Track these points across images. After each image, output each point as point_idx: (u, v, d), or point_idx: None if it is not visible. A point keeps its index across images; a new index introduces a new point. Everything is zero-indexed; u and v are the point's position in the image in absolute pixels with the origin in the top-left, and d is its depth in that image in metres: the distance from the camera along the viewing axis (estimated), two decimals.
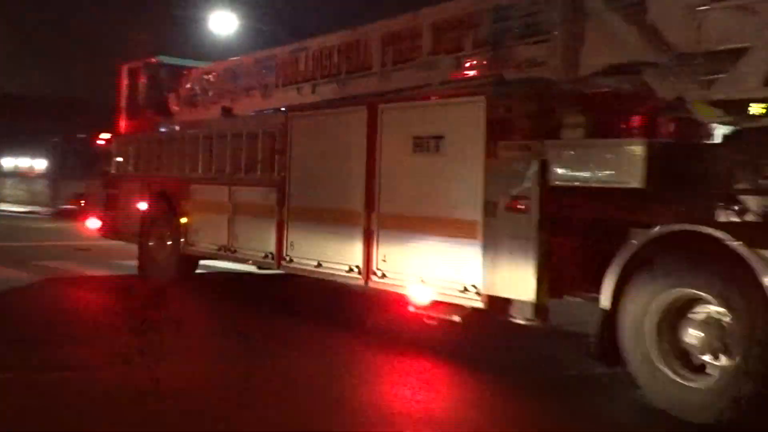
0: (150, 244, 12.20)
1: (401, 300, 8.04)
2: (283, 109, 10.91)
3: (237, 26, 29.09)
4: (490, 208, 7.05)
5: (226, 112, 11.74)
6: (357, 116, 8.54)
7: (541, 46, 7.45)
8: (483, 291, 7.10)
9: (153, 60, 13.80)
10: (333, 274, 8.76)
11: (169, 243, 11.80)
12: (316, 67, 10.16)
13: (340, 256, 8.65)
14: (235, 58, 12.08)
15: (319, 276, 9.01)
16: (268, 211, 9.79)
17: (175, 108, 13.26)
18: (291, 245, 9.41)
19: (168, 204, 11.80)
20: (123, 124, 14.27)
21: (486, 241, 7.06)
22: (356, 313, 9.43)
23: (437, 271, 7.55)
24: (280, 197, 9.61)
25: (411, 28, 8.85)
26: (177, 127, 13.10)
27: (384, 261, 8.15)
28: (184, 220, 11.36)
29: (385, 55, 9.18)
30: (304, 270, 9.19)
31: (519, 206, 6.80)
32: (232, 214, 10.49)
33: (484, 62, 8.01)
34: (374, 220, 8.29)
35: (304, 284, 10.07)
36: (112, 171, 13.59)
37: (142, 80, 13.87)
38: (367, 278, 8.31)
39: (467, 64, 8.23)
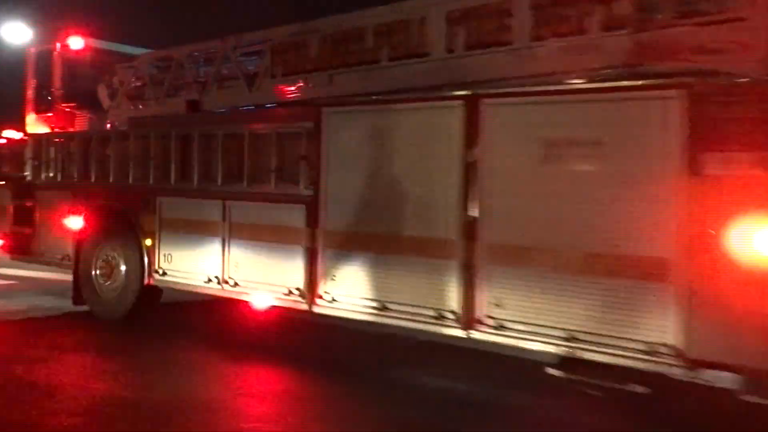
0: (94, 272, 8.93)
1: (518, 355, 5.69)
2: (266, 104, 8.18)
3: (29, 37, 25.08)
4: (693, 243, 4.83)
5: (193, 106, 8.74)
6: (446, 113, 6.11)
7: (721, 28, 5.27)
8: (686, 352, 4.85)
9: (74, 43, 10.41)
10: (412, 320, 6.20)
11: (123, 270, 8.66)
12: (337, 53, 7.47)
13: (423, 298, 6.22)
14: (204, 43, 9.01)
15: (385, 321, 6.41)
16: (289, 235, 7.13)
17: (108, 101, 10.03)
18: (333, 280, 6.78)
19: (124, 222, 8.65)
20: (31, 120, 10.77)
21: (687, 286, 4.86)
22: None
23: (596, 324, 5.33)
24: (309, 217, 6.97)
25: (496, 4, 6.38)
26: (109, 124, 9.92)
27: (498, 306, 5.78)
28: (149, 242, 8.30)
29: (452, 39, 6.69)
30: (360, 312, 6.56)
31: (752, 243, 4.60)
32: (228, 237, 7.67)
33: (619, 48, 5.71)
34: (479, 252, 5.87)
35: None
36: (27, 178, 10.04)
37: (60, 67, 10.48)
38: (471, 327, 5.86)
39: (590, 51, 5.88)
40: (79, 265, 9.22)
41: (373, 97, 6.80)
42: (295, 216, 7.09)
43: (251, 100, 8.42)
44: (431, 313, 6.16)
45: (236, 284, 7.60)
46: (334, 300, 6.82)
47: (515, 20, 6.38)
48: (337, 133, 6.86)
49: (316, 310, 6.99)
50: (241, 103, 8.57)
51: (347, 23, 7.55)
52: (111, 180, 8.96)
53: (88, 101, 10.42)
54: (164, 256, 8.29)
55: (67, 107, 10.44)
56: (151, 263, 8.40)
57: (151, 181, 8.49)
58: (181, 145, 8.25)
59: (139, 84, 9.80)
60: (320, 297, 6.92)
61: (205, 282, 7.86)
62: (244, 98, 8.50)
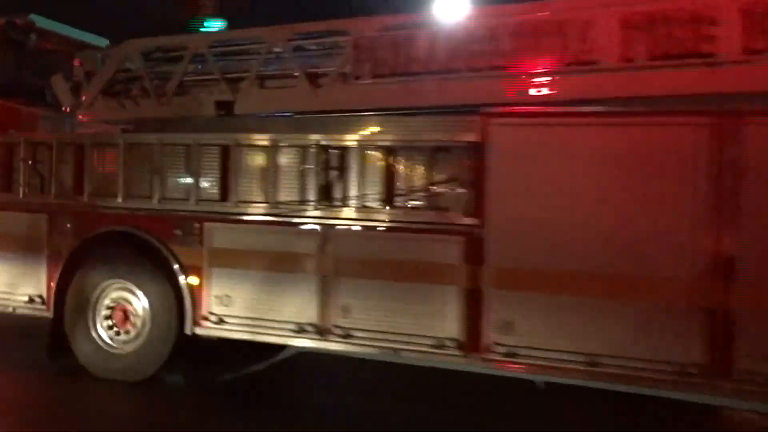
0: (94, 320, 6.47)
1: None
2: (337, 110, 6.43)
3: None
4: None
5: (225, 108, 6.64)
6: (685, 132, 4.88)
7: None
8: None
9: (19, 21, 7.64)
10: (645, 378, 4.85)
11: (148, 317, 6.37)
12: (459, 54, 5.90)
13: (652, 351, 4.89)
14: (241, 31, 6.90)
15: (597, 380, 4.98)
16: (436, 273, 5.57)
17: (70, 98, 7.49)
18: (508, 327, 5.21)
19: (146, 254, 6.32)
20: None
21: None
22: None
23: None
24: (470, 252, 5.39)
25: (694, 11, 5.31)
26: (71, 127, 7.49)
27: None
28: (193, 280, 6.10)
29: (630, 47, 5.44)
30: (557, 369, 5.11)
31: None
32: (330, 274, 5.68)
33: None
34: (740, 298, 4.69)
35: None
36: None
37: None
38: (724, 387, 4.70)
39: None
40: (63, 309, 6.56)
41: (568, 110, 5.32)
42: (448, 250, 5.46)
43: (316, 105, 6.49)
44: (668, 368, 4.90)
45: (348, 335, 5.69)
46: (513, 354, 5.25)
47: (721, 29, 5.31)
48: (511, 151, 5.32)
49: (478, 363, 5.37)
50: (298, 108, 6.65)
51: (474, 20, 6.00)
52: (120, 200, 6.43)
53: (37, 96, 7.65)
54: (218, 298, 6.10)
55: (5, 102, 7.55)
56: (196, 307, 6.16)
57: (193, 203, 6.20)
58: (245, 156, 6.09)
59: (125, 78, 7.29)
60: (488, 350, 5.31)
61: (295, 332, 5.85)
62: (302, 102, 6.56)
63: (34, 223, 6.76)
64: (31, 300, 6.73)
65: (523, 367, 5.27)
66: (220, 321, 6.08)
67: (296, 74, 6.56)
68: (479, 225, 5.38)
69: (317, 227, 5.80)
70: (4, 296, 6.86)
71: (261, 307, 5.96)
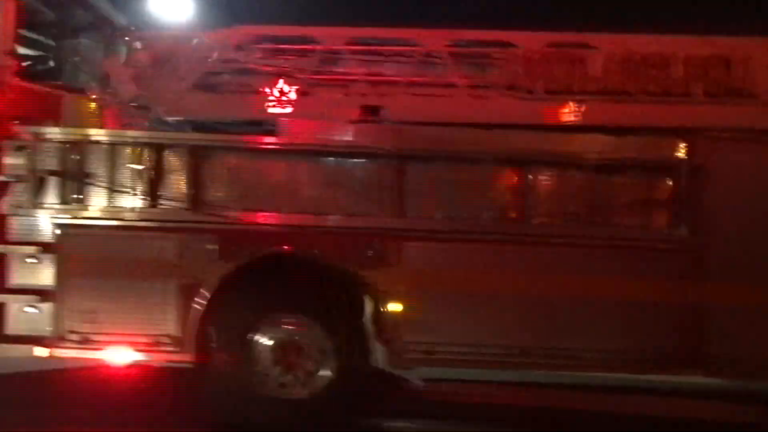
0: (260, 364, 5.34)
1: None
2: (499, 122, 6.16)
3: None
4: None
5: (372, 113, 6.06)
6: None
7: None
8: None
9: None
10: None
11: (332, 354, 5.38)
12: (632, 77, 6.09)
13: None
14: (393, 30, 6.18)
15: None
16: (652, 290, 5.51)
17: (132, 86, 6.16)
18: (731, 341, 5.56)
19: (330, 279, 5.38)
20: None
21: None
22: None
23: None
24: (690, 267, 5.56)
25: None
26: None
27: None
28: (394, 307, 5.35)
29: None
30: None
31: None
32: (551, 294, 5.48)
33: None
34: None
35: None
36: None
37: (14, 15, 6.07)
38: None
39: None
40: (212, 352, 5.21)
41: None
42: (667, 266, 5.49)
43: (478, 116, 6.04)
44: None
45: (581, 357, 5.43)
46: (733, 366, 5.52)
47: None
48: (731, 171, 5.57)
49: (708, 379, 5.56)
50: (456, 118, 6.08)
51: (648, 47, 6.13)
52: (285, 216, 5.31)
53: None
54: (425, 327, 5.35)
55: (30, 84, 5.78)
56: (396, 339, 5.33)
57: (391, 218, 5.37)
58: (470, 167, 5.51)
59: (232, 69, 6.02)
60: (712, 363, 5.49)
61: (515, 355, 5.39)
62: (462, 112, 6.07)
63: (155, 245, 5.23)
64: (157, 342, 5.20)
65: (745, 379, 5.59)
66: (429, 352, 5.36)
67: (455, 82, 6.07)
68: (699, 242, 5.55)
69: (544, 244, 5.44)
70: (112, 339, 5.20)
71: (481, 334, 5.38)
